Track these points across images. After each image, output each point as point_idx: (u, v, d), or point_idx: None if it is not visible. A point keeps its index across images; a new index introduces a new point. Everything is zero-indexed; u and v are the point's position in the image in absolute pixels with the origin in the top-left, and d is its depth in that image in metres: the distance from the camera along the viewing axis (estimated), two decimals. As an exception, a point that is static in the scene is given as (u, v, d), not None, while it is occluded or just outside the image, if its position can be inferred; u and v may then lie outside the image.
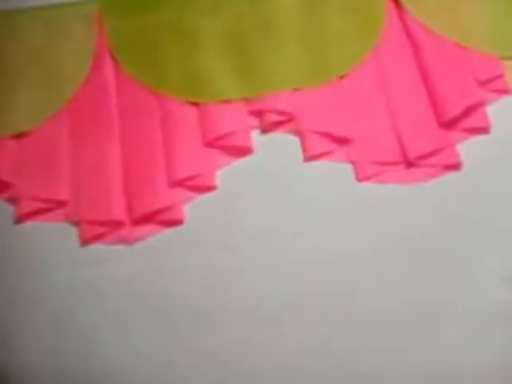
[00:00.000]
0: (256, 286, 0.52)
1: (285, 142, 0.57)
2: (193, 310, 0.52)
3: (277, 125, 0.57)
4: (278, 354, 0.50)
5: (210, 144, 0.56)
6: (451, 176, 0.55)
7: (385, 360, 0.50)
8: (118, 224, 0.53)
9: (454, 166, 0.55)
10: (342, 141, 0.56)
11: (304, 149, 0.56)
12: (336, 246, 0.53)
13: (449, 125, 0.56)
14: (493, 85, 0.57)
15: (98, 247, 0.53)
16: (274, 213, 0.55)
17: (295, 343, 0.51)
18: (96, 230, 0.53)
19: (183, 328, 0.51)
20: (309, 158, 0.56)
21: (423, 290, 0.52)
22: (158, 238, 0.53)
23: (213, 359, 0.51)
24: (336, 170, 0.56)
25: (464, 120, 0.56)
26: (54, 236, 0.54)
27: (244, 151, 0.56)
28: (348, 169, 0.56)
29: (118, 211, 0.53)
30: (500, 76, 0.57)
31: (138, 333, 0.51)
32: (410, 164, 0.55)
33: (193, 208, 0.54)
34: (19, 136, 0.56)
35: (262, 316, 0.52)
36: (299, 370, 0.50)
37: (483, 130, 0.56)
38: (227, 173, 0.55)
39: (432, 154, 0.55)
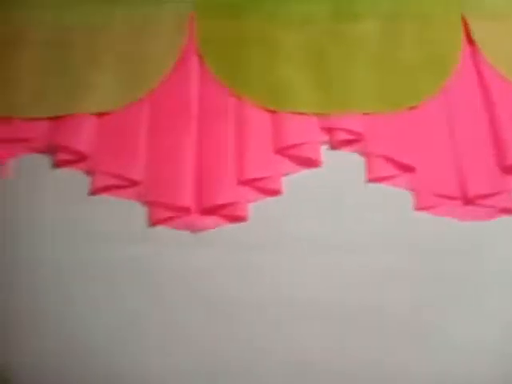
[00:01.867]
0: (305, 291, 0.55)
1: (350, 160, 0.59)
2: (253, 306, 0.55)
3: (345, 143, 0.60)
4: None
5: (280, 151, 0.59)
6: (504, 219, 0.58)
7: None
8: (185, 210, 0.56)
9: (509, 210, 0.58)
10: (405, 168, 0.59)
11: (368, 170, 0.59)
12: (383, 266, 0.56)
13: (509, 170, 0.59)
14: None
15: (164, 230, 0.56)
16: (330, 226, 0.57)
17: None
18: (164, 213, 0.56)
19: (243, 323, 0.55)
20: (371, 179, 0.59)
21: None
22: (222, 231, 0.56)
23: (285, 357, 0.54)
24: (395, 195, 0.58)
25: None
26: (125, 213, 0.57)
27: (312, 163, 0.59)
28: (407, 196, 0.58)
29: (187, 198, 0.56)
30: None
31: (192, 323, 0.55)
32: (467, 201, 0.58)
33: (257, 208, 0.57)
34: (100, 114, 0.60)
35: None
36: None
37: None
38: (291, 181, 0.58)
39: (491, 195, 0.57)
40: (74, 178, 0.58)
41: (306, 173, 0.59)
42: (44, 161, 0.59)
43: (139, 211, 0.57)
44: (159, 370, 0.54)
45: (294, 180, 0.58)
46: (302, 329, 0.54)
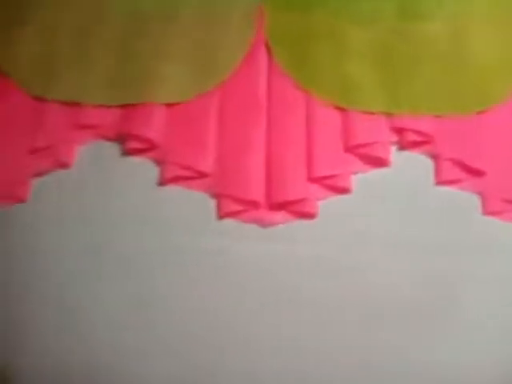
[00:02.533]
0: (376, 290, 0.55)
1: (419, 162, 0.59)
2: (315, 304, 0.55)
3: (414, 144, 0.59)
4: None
5: (349, 150, 0.58)
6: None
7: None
8: (254, 204, 0.56)
9: None
10: (474, 172, 0.58)
11: (437, 172, 0.59)
12: (449, 268, 0.56)
13: None
14: None
15: (232, 223, 0.57)
16: (397, 226, 0.57)
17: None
18: (233, 206, 0.57)
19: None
20: (440, 181, 0.59)
21: None
22: (290, 227, 0.56)
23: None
24: (463, 199, 0.58)
25: None
26: (194, 204, 0.57)
27: (381, 163, 0.58)
28: (475, 200, 0.58)
29: (256, 192, 0.56)
30: None
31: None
32: (536, 208, 0.58)
33: (326, 206, 0.57)
34: (170, 104, 0.60)
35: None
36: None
37: None
38: (360, 179, 0.58)
39: None
40: (143, 167, 0.59)
41: (374, 172, 0.58)
42: (113, 148, 0.60)
43: (208, 203, 0.57)
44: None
45: (362, 179, 0.58)
46: (379, 328, 0.54)
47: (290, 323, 0.55)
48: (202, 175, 0.58)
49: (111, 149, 0.60)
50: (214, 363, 0.55)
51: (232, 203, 0.57)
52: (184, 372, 0.55)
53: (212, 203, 0.57)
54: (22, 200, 0.58)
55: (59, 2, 0.65)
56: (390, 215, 0.57)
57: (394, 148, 0.59)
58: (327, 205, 0.57)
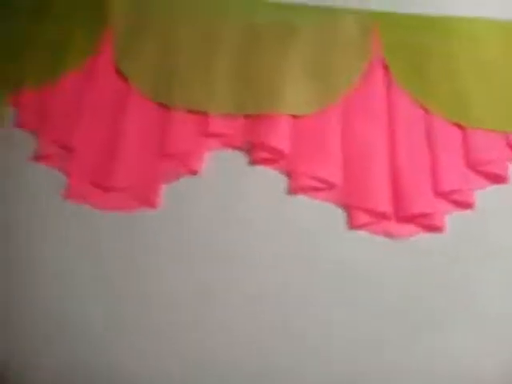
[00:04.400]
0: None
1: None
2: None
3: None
4: None
5: (470, 166, 0.60)
6: None
7: None
8: (383, 216, 0.58)
9: None
10: None
11: None
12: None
13: None
14: None
15: (362, 234, 0.58)
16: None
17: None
18: (363, 217, 0.58)
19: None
20: None
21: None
22: (419, 240, 0.58)
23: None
24: None
25: None
26: (322, 214, 0.59)
27: (499, 179, 0.60)
28: None
29: (385, 204, 0.58)
30: None
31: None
32: None
33: (451, 220, 0.59)
34: (295, 116, 0.61)
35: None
36: None
37: None
38: (479, 195, 0.60)
39: None
40: (271, 176, 0.60)
41: (492, 188, 0.60)
42: (240, 157, 0.61)
43: (336, 213, 0.59)
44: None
45: (481, 195, 0.60)
46: None
47: (423, 332, 0.56)
48: (330, 186, 0.59)
49: (238, 157, 0.61)
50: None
51: (362, 214, 0.58)
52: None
53: (340, 213, 0.59)
54: (152, 205, 0.59)
55: (178, 12, 0.66)
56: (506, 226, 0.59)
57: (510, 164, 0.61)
58: (452, 219, 0.59)
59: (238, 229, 0.58)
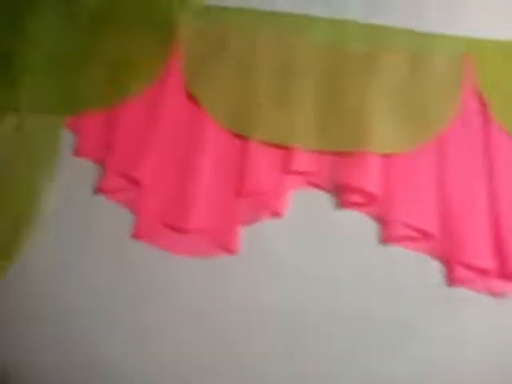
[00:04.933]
0: None
1: None
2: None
3: None
4: None
5: None
6: None
7: None
8: (484, 272, 0.53)
9: None
10: None
11: None
12: None
13: None
14: None
15: (462, 290, 0.53)
16: None
17: None
18: (464, 273, 0.53)
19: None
20: None
21: None
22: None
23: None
24: None
25: None
26: (418, 266, 0.54)
27: None
28: None
29: (487, 260, 0.53)
30: None
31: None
32: None
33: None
34: (386, 155, 0.56)
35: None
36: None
37: None
38: None
39: None
40: (359, 222, 0.55)
41: None
42: (326, 199, 0.55)
43: (432, 266, 0.54)
44: None
45: None
46: None
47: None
48: (426, 236, 0.54)
49: (324, 199, 0.55)
50: None
51: (463, 270, 0.53)
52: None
53: (436, 266, 0.54)
54: (231, 251, 0.54)
55: (256, 34, 0.60)
56: None
57: None
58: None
59: (322, 284, 0.53)
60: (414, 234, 0.54)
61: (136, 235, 0.54)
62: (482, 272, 0.53)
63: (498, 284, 0.53)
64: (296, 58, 0.59)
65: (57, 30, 0.60)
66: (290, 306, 0.52)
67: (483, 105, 0.59)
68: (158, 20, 0.60)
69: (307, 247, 0.54)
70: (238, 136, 0.57)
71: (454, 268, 0.53)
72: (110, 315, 0.52)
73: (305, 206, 0.55)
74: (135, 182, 0.55)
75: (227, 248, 0.53)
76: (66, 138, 0.57)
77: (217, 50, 0.59)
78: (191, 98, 0.58)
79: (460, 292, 0.53)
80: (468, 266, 0.53)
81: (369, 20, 0.60)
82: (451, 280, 0.53)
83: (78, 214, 0.55)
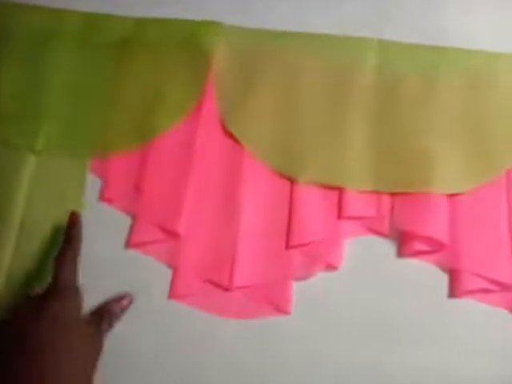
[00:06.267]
0: None
1: None
2: None
3: None
4: None
5: None
6: None
7: None
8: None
9: None
10: None
11: None
12: None
13: None
14: None
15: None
16: None
17: None
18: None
19: None
20: None
21: None
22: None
23: None
24: None
25: None
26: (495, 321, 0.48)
27: None
28: None
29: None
30: None
31: None
32: None
33: None
34: (451, 195, 0.50)
35: None
36: None
37: None
38: None
39: None
40: (425, 273, 0.48)
41: None
42: (386, 247, 0.49)
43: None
44: None
45: None
46: None
47: None
48: (505, 288, 0.47)
49: (385, 246, 0.49)
50: None
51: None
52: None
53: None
54: (284, 312, 0.47)
55: (297, 66, 0.54)
56: None
57: None
58: None
59: (383, 340, 0.47)
60: (489, 286, 0.48)
61: (174, 295, 0.48)
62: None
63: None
64: (345, 85, 0.53)
65: (80, 63, 0.54)
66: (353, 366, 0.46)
67: None
68: (192, 48, 0.54)
69: (367, 302, 0.48)
70: (285, 177, 0.51)
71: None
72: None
73: (363, 255, 0.49)
74: (172, 234, 0.49)
75: (279, 308, 0.47)
76: (92, 183, 0.51)
77: (256, 80, 0.53)
78: (229, 133, 0.52)
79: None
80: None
81: (420, 42, 0.55)
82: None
83: (108, 268, 0.48)
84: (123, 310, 0.45)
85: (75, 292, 0.43)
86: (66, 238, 0.45)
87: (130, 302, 0.46)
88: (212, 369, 0.46)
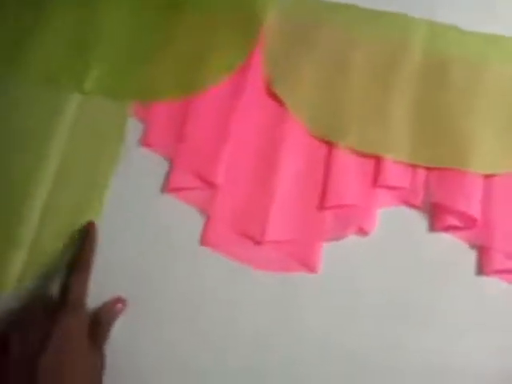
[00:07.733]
0: None
1: None
2: None
3: None
4: None
5: None
6: None
7: None
8: None
9: None
10: None
11: None
12: None
13: None
14: None
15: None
16: None
17: None
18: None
19: None
20: None
21: None
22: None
23: None
24: None
25: None
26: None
27: None
28: None
29: None
30: None
31: None
32: None
33: None
34: (487, 176, 0.50)
35: None
36: None
37: None
38: None
39: None
40: (455, 249, 0.49)
41: None
42: (418, 219, 0.49)
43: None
44: None
45: None
46: None
47: None
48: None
49: (417, 219, 0.49)
50: None
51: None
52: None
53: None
54: (312, 269, 0.48)
55: (347, 33, 0.55)
56: None
57: None
58: None
59: (408, 317, 0.47)
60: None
61: (206, 242, 0.48)
62: None
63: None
64: (395, 62, 0.53)
65: (133, 13, 0.55)
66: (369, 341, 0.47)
67: None
68: (243, 11, 0.55)
69: (394, 273, 0.48)
70: (325, 141, 0.51)
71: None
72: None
73: (395, 225, 0.49)
74: (209, 183, 0.49)
75: (307, 265, 0.48)
76: (134, 127, 0.52)
77: (306, 47, 0.54)
78: (273, 95, 0.52)
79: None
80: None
81: (472, 27, 0.55)
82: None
83: (143, 212, 0.49)
84: (117, 314, 0.46)
85: (83, 310, 0.44)
86: (82, 250, 0.45)
87: (124, 306, 0.46)
88: (239, 316, 0.47)
